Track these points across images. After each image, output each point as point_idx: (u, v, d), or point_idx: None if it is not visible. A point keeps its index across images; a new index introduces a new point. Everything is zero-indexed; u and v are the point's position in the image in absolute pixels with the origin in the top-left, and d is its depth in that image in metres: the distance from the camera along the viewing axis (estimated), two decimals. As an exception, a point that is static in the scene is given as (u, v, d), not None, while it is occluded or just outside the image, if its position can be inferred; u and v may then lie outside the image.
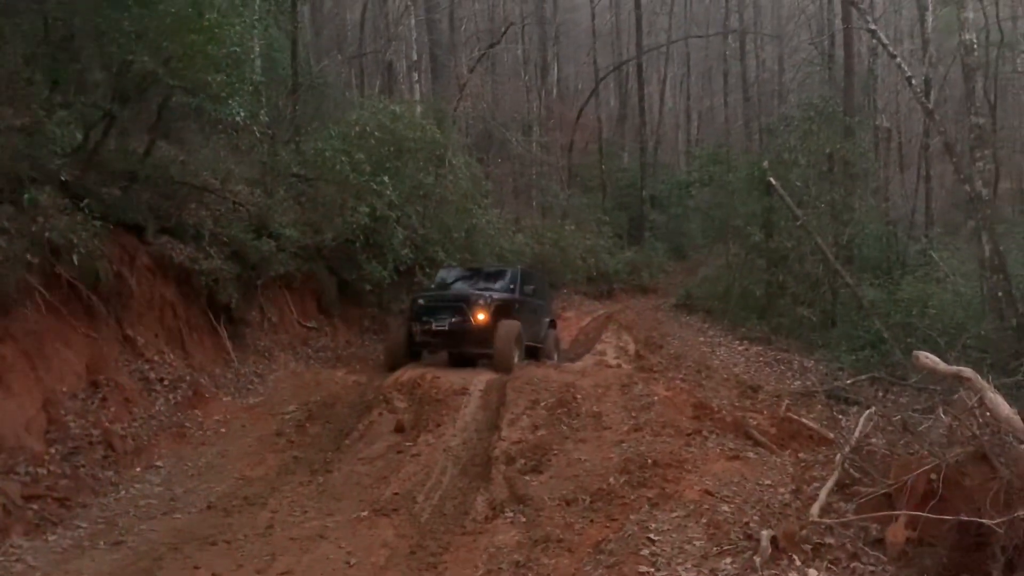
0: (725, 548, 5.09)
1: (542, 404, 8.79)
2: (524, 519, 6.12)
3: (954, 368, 5.74)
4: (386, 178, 12.86)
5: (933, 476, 4.91)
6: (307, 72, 16.55)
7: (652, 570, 4.90)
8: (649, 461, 6.90)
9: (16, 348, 7.06)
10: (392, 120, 14.14)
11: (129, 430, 7.75)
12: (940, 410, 6.04)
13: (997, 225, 12.24)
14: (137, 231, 9.50)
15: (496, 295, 11.50)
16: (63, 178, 8.11)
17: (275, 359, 11.22)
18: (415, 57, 22.96)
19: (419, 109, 17.52)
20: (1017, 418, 4.93)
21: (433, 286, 12.56)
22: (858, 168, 18.12)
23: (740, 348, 15.64)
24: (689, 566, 4.91)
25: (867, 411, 7.36)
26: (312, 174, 13.47)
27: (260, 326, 11.45)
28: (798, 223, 15.78)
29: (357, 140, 13.46)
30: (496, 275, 12.50)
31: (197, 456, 7.96)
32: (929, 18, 18.37)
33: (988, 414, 5.10)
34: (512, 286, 12.06)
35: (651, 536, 5.35)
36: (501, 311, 11.17)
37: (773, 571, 4.70)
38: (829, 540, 5.08)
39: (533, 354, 11.95)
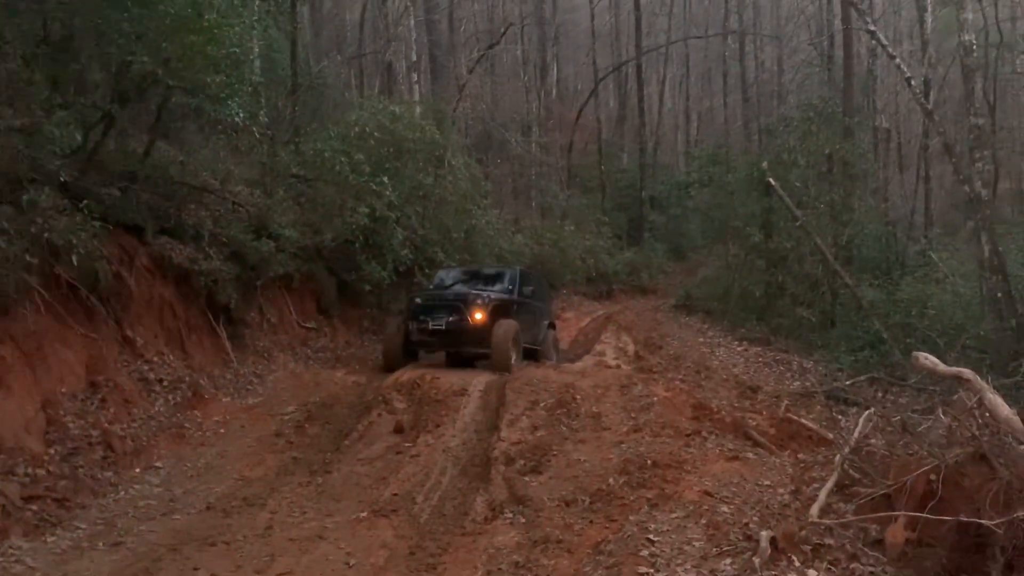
0: (724, 549, 5.09)
1: (541, 405, 8.80)
2: (523, 520, 6.12)
3: (953, 369, 5.76)
4: (385, 179, 12.84)
5: (932, 477, 4.92)
6: (306, 73, 16.53)
7: (651, 571, 4.91)
8: (648, 462, 6.91)
9: (15, 349, 7.05)
10: (391, 121, 14.12)
11: (128, 431, 7.74)
12: (939, 411, 6.05)
13: (996, 226, 12.22)
14: (136, 232, 9.49)
15: (494, 295, 11.51)
16: (62, 179, 8.09)
17: (274, 360, 11.20)
18: (414, 58, 22.97)
19: (418, 110, 17.50)
20: (1016, 419, 4.94)
21: (432, 287, 12.56)
22: (857, 169, 18.11)
23: (739, 349, 15.62)
24: (688, 567, 4.92)
25: (866, 412, 7.36)
26: (311, 175, 13.46)
27: (259, 327, 11.43)
28: (797, 224, 15.79)
29: (356, 141, 13.44)
30: (495, 276, 12.50)
31: (196, 457, 7.95)
32: (928, 19, 18.39)
33: (987, 415, 5.11)
34: (511, 287, 12.06)
35: (650, 537, 5.35)
36: (498, 311, 11.17)
37: (772, 572, 4.71)
38: (828, 541, 5.09)
39: (532, 356, 11.91)
